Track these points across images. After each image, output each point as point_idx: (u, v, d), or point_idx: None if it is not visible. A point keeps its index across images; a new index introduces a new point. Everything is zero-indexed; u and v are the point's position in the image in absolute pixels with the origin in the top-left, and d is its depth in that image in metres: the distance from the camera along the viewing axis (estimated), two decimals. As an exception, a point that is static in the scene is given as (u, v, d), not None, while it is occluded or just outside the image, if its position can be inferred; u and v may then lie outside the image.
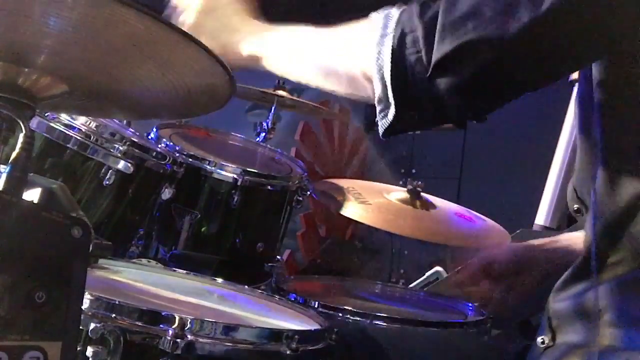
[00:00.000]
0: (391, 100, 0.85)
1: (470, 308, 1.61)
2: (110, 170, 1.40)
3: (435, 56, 0.80)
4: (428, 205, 1.58)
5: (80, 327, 0.72)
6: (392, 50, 0.84)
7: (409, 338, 1.20)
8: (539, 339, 0.97)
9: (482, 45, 0.78)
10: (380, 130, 0.89)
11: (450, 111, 0.84)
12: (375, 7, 0.91)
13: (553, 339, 0.96)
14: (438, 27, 0.80)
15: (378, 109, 0.88)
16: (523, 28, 0.76)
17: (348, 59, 0.95)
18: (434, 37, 0.80)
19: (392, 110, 0.86)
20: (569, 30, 0.78)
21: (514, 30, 0.76)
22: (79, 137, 1.38)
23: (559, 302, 0.97)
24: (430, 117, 0.88)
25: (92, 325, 0.83)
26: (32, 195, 0.71)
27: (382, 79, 0.85)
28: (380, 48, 0.85)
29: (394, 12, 0.87)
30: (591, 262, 0.91)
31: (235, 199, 1.61)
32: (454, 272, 1.50)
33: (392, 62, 0.84)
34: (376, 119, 0.89)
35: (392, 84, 0.84)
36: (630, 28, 0.80)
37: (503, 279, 1.38)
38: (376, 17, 0.89)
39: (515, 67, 0.81)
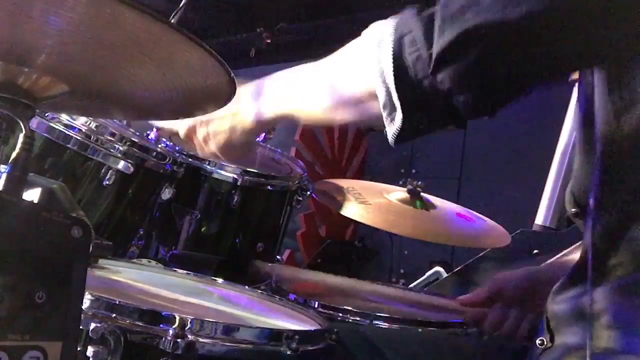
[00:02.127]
0: (396, 103, 0.83)
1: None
2: (110, 170, 1.40)
3: (436, 49, 0.78)
4: (428, 205, 1.58)
5: (81, 327, 0.72)
6: (392, 53, 0.82)
7: (409, 338, 1.20)
8: (538, 340, 0.97)
9: (482, 30, 0.76)
10: (390, 138, 0.86)
11: (458, 106, 0.81)
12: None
13: (551, 340, 0.95)
14: (436, 22, 0.79)
15: (384, 115, 0.85)
16: (524, 14, 0.74)
17: (350, 82, 0.93)
18: (433, 33, 0.79)
19: (398, 114, 0.84)
20: (572, 22, 0.76)
21: (515, 15, 0.75)
22: (79, 137, 1.38)
23: (557, 304, 0.96)
24: (438, 117, 0.85)
25: (93, 325, 0.83)
26: (32, 195, 0.71)
27: (385, 83, 0.83)
28: (379, 55, 0.84)
29: (389, 20, 0.86)
30: (589, 265, 0.91)
31: (235, 199, 1.61)
32: (460, 299, 1.45)
33: (393, 64, 0.82)
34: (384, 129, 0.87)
35: (395, 86, 0.82)
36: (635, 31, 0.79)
37: (514, 303, 1.35)
38: (371, 31, 0.88)
39: (519, 53, 0.79)
